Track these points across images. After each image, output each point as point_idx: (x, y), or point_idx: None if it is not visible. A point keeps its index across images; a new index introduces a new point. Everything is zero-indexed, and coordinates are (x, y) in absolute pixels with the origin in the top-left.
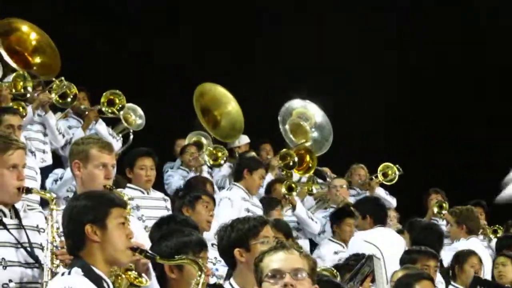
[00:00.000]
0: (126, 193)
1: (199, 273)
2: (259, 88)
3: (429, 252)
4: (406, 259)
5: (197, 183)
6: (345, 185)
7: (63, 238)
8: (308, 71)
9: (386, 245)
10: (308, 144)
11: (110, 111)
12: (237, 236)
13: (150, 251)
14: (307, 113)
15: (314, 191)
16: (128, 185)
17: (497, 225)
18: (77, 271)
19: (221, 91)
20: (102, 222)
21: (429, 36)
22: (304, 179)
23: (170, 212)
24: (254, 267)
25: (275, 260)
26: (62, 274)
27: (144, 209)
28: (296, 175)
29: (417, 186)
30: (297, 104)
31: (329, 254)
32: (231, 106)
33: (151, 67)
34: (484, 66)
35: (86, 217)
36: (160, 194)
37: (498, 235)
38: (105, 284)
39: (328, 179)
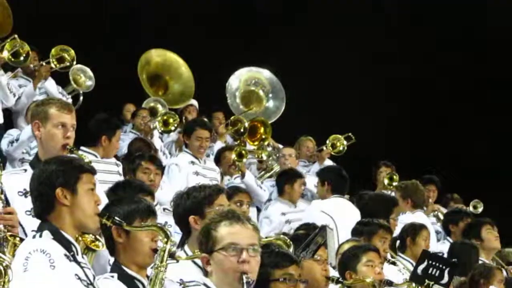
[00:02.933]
0: (85, 155)
1: (165, 239)
2: None
3: (386, 226)
4: (365, 230)
5: (140, 147)
6: (293, 154)
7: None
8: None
9: (341, 216)
10: (255, 111)
11: (59, 66)
12: (192, 204)
13: (117, 218)
14: (260, 79)
15: (264, 157)
16: (83, 148)
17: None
18: (47, 234)
19: (171, 56)
20: (72, 187)
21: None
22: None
23: (121, 177)
24: (203, 233)
25: (232, 233)
26: (34, 237)
27: (98, 173)
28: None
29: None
30: (249, 71)
31: (277, 215)
32: (181, 70)
33: None
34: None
35: (57, 180)
36: (112, 159)
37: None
38: (73, 248)
39: (271, 148)
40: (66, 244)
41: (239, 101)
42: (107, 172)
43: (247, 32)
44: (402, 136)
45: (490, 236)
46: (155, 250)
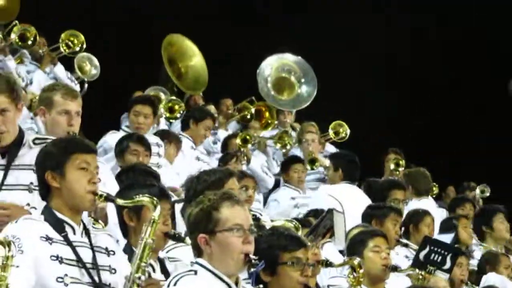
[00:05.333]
0: None
1: (153, 213)
2: None
3: (398, 209)
4: (376, 214)
5: (169, 137)
6: (316, 139)
7: None
8: None
9: (349, 201)
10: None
11: (68, 50)
12: (203, 188)
13: (110, 194)
14: (292, 66)
15: (288, 147)
16: (124, 128)
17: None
18: (31, 217)
19: (187, 44)
20: (61, 169)
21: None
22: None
23: (160, 158)
24: (203, 213)
25: (235, 214)
26: (16, 221)
27: None
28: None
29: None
30: (279, 58)
31: (286, 199)
32: (196, 59)
33: None
34: None
35: (47, 164)
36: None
37: (434, 194)
38: (68, 228)
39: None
40: (58, 224)
41: (270, 86)
42: None
43: (247, 32)
44: (400, 135)
45: (502, 226)
46: (166, 234)
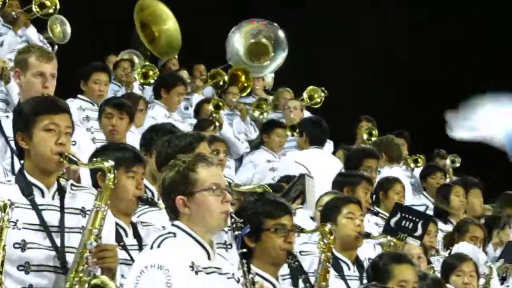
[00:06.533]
0: None
1: (108, 175)
2: None
3: (369, 178)
4: (348, 181)
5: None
6: (298, 106)
7: None
8: None
9: (317, 167)
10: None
11: (41, 12)
12: (173, 152)
13: (74, 155)
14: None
15: (266, 115)
16: (80, 96)
17: (418, 155)
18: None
19: (161, 8)
20: (28, 131)
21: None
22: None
23: None
24: (180, 175)
25: (212, 174)
26: None
27: (94, 121)
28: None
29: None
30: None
31: (262, 161)
32: (170, 23)
33: None
34: None
35: (17, 126)
36: None
37: (418, 165)
38: (36, 191)
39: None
40: (26, 187)
41: (245, 58)
42: None
43: None
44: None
45: (475, 201)
46: (139, 198)
